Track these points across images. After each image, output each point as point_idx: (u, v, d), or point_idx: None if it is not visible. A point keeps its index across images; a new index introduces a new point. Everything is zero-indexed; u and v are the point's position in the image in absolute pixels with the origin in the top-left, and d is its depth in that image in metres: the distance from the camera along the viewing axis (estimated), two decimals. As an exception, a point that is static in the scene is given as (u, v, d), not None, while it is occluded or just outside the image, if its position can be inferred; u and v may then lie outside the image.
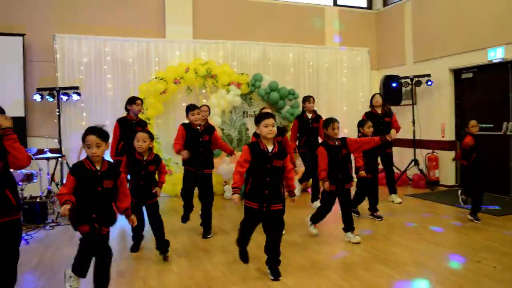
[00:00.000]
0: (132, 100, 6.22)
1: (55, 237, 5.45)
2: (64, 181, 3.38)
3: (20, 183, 6.15)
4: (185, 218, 5.53)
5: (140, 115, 7.35)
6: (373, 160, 6.06)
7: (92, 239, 3.30)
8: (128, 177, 4.55)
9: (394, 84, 8.85)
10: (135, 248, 4.80)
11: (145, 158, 4.54)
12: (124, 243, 5.10)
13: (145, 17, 8.49)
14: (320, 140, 6.15)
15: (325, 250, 4.76)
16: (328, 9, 9.96)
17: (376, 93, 7.37)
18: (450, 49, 8.27)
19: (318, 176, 5.06)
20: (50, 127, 7.66)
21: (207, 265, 4.32)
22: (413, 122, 8.77)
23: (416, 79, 8.66)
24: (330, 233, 5.35)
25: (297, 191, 6.82)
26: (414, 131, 8.78)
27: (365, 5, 10.55)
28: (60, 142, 7.48)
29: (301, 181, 7.58)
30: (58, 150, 7.35)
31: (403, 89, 9.00)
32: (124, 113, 6.34)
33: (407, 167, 8.73)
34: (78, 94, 7.57)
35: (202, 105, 6.36)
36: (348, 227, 5.07)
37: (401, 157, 9.22)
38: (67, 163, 7.20)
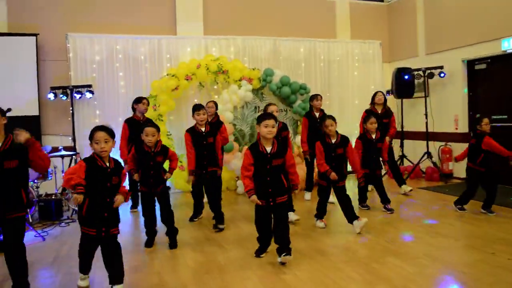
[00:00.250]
0: (138, 100, 6.40)
1: (71, 233, 5.53)
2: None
3: (35, 180, 6.26)
4: (193, 218, 5.88)
5: (152, 112, 7.46)
6: (372, 156, 6.11)
7: (95, 245, 3.61)
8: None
9: (406, 77, 8.78)
10: (149, 243, 4.85)
11: (153, 150, 4.71)
12: (138, 239, 5.16)
13: (156, 15, 8.54)
14: None
15: (337, 243, 4.77)
16: (339, 2, 9.89)
17: (379, 91, 7.38)
18: (463, 40, 8.18)
19: (319, 170, 5.28)
20: (64, 125, 7.77)
21: (221, 259, 4.36)
22: (426, 115, 8.70)
23: (429, 71, 8.59)
24: (341, 225, 5.35)
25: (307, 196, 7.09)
26: (427, 123, 8.70)
27: (376, -3, 10.48)
28: (74, 139, 7.60)
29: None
30: (72, 148, 7.47)
31: (416, 81, 8.92)
32: (131, 113, 6.52)
33: (420, 160, 8.67)
34: (91, 92, 7.66)
35: (208, 102, 6.50)
36: (351, 218, 5.16)
37: (413, 150, 9.18)
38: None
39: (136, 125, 6.12)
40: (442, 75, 8.46)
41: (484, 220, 5.47)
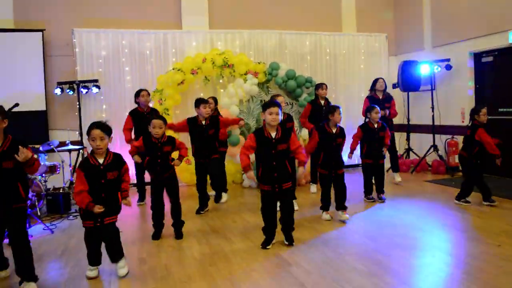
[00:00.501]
0: (137, 93, 6.60)
1: (78, 226, 5.50)
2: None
3: (43, 174, 6.32)
4: (199, 210, 5.97)
5: (158, 106, 7.57)
6: (374, 145, 6.18)
7: (96, 235, 3.76)
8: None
9: (412, 70, 8.74)
10: (157, 235, 4.90)
11: (160, 140, 4.82)
12: (145, 232, 5.20)
13: (162, 9, 8.55)
14: None
15: (343, 235, 4.78)
16: (345, -5, 9.86)
17: (380, 78, 7.61)
18: (470, 33, 8.11)
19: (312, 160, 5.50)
20: (71, 120, 7.82)
21: (228, 251, 4.39)
22: (432, 108, 8.66)
23: (435, 64, 8.55)
24: (348, 220, 5.36)
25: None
26: (433, 116, 8.67)
27: (382, -10, 10.41)
28: (81, 134, 7.64)
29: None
30: (79, 142, 7.53)
31: (422, 74, 8.88)
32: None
33: (426, 153, 8.64)
34: (98, 87, 7.70)
35: (208, 98, 6.75)
36: (340, 206, 5.35)
37: (420, 143, 9.16)
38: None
39: (140, 116, 6.39)
40: (448, 68, 8.42)
41: (489, 213, 5.46)
